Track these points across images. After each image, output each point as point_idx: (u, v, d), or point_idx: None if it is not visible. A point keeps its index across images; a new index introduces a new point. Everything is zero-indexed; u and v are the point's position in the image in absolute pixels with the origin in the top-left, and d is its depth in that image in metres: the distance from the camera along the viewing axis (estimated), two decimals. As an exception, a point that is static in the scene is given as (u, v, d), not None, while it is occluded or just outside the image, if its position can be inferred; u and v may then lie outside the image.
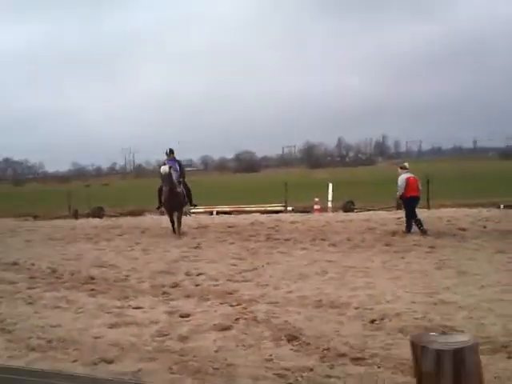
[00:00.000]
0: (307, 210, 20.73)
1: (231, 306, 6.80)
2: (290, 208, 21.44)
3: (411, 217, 13.22)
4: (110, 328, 6.05)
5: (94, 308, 7.00)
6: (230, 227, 16.72)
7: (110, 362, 4.92)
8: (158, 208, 16.07)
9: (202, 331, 5.71)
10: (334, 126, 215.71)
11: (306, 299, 6.84)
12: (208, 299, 7.19)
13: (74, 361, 5.00)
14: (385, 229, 14.02)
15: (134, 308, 6.93)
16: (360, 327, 5.55)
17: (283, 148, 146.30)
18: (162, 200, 14.88)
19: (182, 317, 6.39)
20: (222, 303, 6.93)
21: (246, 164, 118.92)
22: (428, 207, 19.00)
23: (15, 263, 11.18)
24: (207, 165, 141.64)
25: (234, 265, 9.76)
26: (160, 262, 10.43)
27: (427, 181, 18.98)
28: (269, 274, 8.73)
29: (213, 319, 6.14)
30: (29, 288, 8.58)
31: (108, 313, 6.73)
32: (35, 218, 25.04)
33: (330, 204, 20.62)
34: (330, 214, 19.41)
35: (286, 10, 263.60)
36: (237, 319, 6.10)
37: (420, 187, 13.79)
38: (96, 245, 13.98)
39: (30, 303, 7.51)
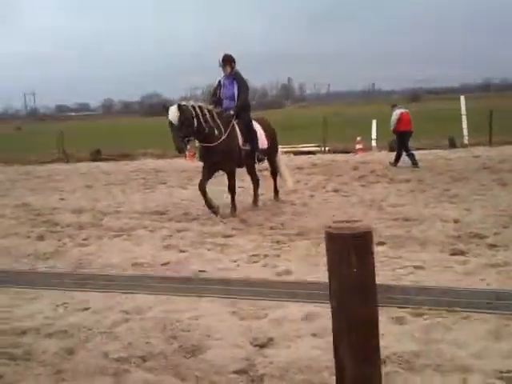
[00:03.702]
0: (348, 151, 19.34)
1: None
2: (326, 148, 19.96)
3: (403, 150, 14.02)
4: None
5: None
6: (299, 168, 15.10)
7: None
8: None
9: None
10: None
11: None
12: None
13: None
14: (499, 167, 13.07)
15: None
16: None
17: (190, 89, 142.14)
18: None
19: None
20: None
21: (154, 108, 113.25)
22: (490, 144, 18.20)
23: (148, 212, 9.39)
24: (109, 108, 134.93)
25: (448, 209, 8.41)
26: (370, 205, 9.06)
27: (490, 115, 18.12)
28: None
29: None
30: (226, 236, 7.30)
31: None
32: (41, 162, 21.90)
33: (374, 143, 19.36)
34: (380, 154, 18.15)
35: None
36: None
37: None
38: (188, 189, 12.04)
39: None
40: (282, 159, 10.53)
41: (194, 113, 8.27)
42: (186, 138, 8.26)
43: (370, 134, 19.51)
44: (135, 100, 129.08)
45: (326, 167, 15.11)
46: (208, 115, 8.51)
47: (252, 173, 9.88)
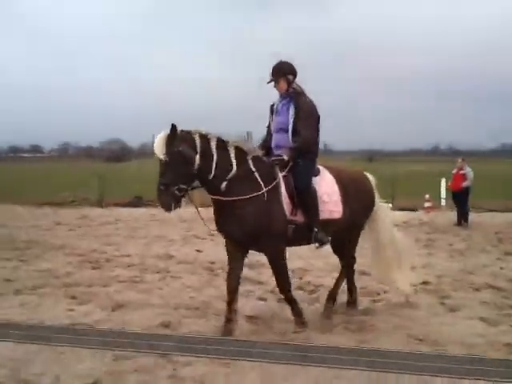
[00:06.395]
0: (413, 208, 18.42)
1: None
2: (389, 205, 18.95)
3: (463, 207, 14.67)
4: None
5: None
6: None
7: None
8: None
9: None
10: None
11: None
12: None
13: None
14: None
15: None
16: None
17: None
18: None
19: None
20: None
21: (116, 153, 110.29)
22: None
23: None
24: (66, 152, 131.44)
25: None
26: None
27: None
28: None
29: None
30: None
31: None
32: (57, 204, 20.03)
33: (443, 202, 18.76)
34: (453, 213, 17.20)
35: None
36: None
37: None
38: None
39: None
40: (395, 235, 6.15)
41: (199, 145, 4.86)
42: (177, 187, 4.72)
43: (439, 193, 18.96)
44: (95, 146, 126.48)
45: (426, 226, 14.14)
46: (221, 150, 4.97)
47: (343, 252, 6.03)
